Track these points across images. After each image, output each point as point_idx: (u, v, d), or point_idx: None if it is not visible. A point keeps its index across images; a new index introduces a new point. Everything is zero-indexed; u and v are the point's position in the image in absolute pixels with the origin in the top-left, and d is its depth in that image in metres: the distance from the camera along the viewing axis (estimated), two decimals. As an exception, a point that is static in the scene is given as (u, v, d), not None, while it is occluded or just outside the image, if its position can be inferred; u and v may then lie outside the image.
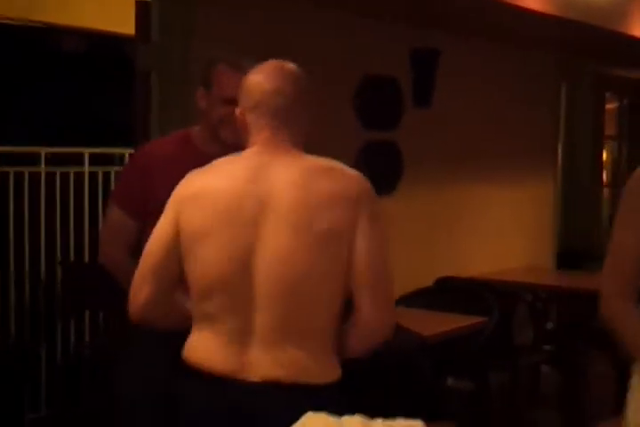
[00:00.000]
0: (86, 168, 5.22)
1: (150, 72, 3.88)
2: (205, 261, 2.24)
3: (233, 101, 2.54)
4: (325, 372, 2.28)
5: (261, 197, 2.22)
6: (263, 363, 2.22)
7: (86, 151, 5.23)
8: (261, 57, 4.47)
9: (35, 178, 5.03)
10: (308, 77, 2.35)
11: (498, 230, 6.51)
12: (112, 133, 5.61)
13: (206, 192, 2.26)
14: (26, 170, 5.02)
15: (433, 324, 4.33)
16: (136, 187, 2.94)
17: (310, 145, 4.79)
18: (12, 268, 4.89)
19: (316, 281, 2.22)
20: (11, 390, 3.75)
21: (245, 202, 2.22)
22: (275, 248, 2.20)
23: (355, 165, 5.08)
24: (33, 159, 5.10)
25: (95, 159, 5.25)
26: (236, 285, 2.22)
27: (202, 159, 2.45)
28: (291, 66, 2.36)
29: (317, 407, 2.10)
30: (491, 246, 6.41)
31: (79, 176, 5.17)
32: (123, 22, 4.49)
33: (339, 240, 2.22)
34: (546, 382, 5.70)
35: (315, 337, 2.26)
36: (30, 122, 6.33)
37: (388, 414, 2.23)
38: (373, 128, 5.35)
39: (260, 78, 2.31)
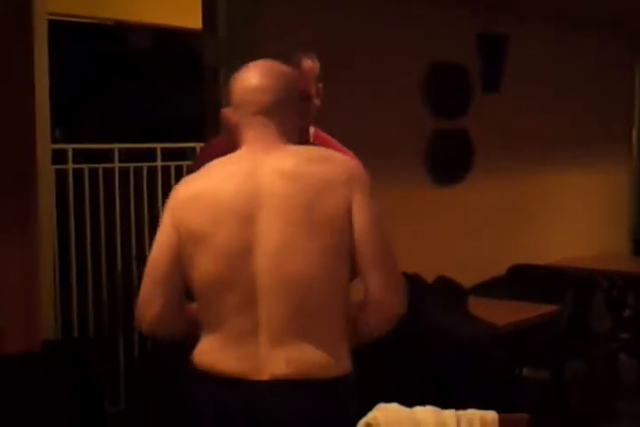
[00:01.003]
0: (159, 163, 5.28)
1: (219, 66, 3.90)
2: (207, 264, 2.24)
3: None
4: (337, 364, 2.26)
5: (255, 194, 2.23)
6: (274, 361, 2.22)
7: (158, 146, 5.28)
8: (327, 46, 4.55)
9: (109, 174, 5.11)
10: (292, 74, 2.40)
11: (572, 217, 6.42)
12: (183, 128, 5.66)
13: (202, 195, 2.27)
14: (100, 166, 5.10)
15: (505, 313, 4.32)
16: None
17: (379, 134, 4.85)
18: (89, 263, 4.97)
19: (318, 271, 2.21)
20: (90, 385, 3.80)
21: (240, 201, 2.23)
22: (273, 243, 2.20)
23: (424, 154, 5.20)
24: (107, 156, 5.18)
25: (167, 154, 5.31)
26: (239, 284, 2.22)
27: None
28: (274, 63, 2.38)
29: (332, 401, 2.19)
30: (565, 233, 6.32)
31: (152, 171, 5.23)
32: (191, 17, 4.52)
33: (335, 225, 2.22)
34: (624, 370, 5.60)
35: (323, 329, 2.25)
36: (103, 119, 6.42)
37: (461, 404, 2.22)
38: (442, 116, 5.32)
39: (244, 77, 2.33)
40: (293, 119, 2.38)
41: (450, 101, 5.37)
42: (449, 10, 5.22)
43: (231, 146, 2.84)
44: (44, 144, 4.20)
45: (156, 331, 2.37)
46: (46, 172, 4.22)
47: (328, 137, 3.05)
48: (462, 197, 5.45)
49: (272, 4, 4.14)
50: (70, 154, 4.95)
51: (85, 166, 5.03)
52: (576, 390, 4.92)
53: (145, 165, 5.23)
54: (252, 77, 2.31)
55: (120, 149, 5.19)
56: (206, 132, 4.10)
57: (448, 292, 4.05)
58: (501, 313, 4.29)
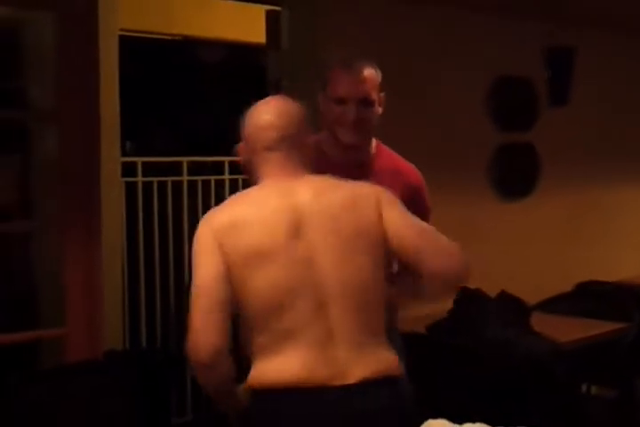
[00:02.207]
0: (226, 176, 5.33)
1: (281, 79, 3.95)
2: (272, 278, 2.28)
3: (344, 101, 2.81)
4: (399, 362, 2.41)
5: (295, 212, 2.34)
6: (354, 364, 2.28)
7: (226, 160, 5.34)
8: (389, 60, 4.55)
9: (177, 186, 5.18)
10: (301, 110, 2.49)
11: (640, 231, 6.29)
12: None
13: (243, 220, 2.34)
14: (169, 179, 5.18)
15: (570, 330, 4.25)
16: None
17: (444, 149, 4.83)
18: (157, 274, 5.03)
19: (371, 274, 2.37)
20: (155, 396, 3.84)
21: (284, 219, 2.33)
22: (328, 255, 2.32)
23: (490, 168, 5.15)
24: (175, 169, 5.25)
25: (235, 167, 5.36)
26: (307, 296, 2.29)
27: (330, 164, 2.66)
28: (284, 101, 2.51)
29: (405, 395, 2.34)
30: (636, 250, 6.17)
31: (220, 184, 5.29)
32: (257, 32, 4.57)
33: (372, 235, 2.38)
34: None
35: (380, 332, 2.39)
36: (172, 133, 6.52)
37: (521, 419, 2.21)
38: (508, 130, 5.27)
39: (256, 114, 2.45)
40: (305, 153, 2.48)
41: (515, 115, 5.31)
42: (514, 23, 5.17)
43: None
44: (114, 157, 4.27)
45: (215, 363, 2.25)
46: (116, 184, 4.32)
47: (390, 150, 3.10)
48: (528, 212, 5.38)
49: (334, 18, 4.17)
50: (140, 167, 5.05)
51: (154, 179, 5.11)
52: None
53: (213, 178, 5.29)
54: (264, 114, 2.43)
55: (188, 163, 5.28)
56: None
57: (510, 307, 4.01)
58: (566, 330, 4.22)
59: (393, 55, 4.60)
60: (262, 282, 2.28)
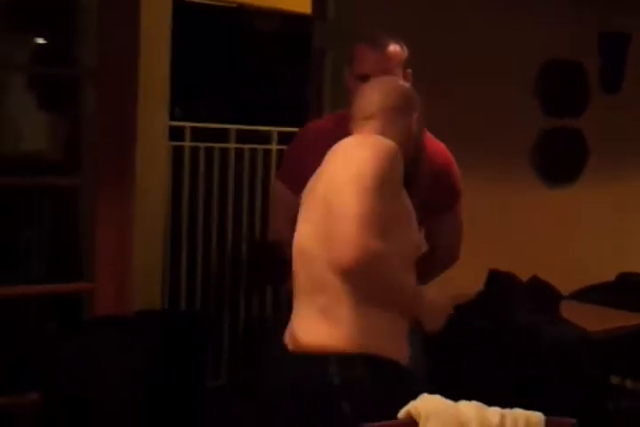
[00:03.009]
0: (274, 146, 5.33)
1: (325, 49, 3.95)
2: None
3: (368, 78, 2.75)
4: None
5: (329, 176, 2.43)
6: (299, 333, 2.38)
7: (275, 130, 5.35)
8: (435, 35, 4.51)
9: (225, 154, 5.22)
10: (408, 90, 2.59)
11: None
12: (299, 112, 5.72)
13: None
14: (216, 145, 5.21)
15: (603, 319, 4.22)
16: (297, 163, 3.01)
17: (489, 131, 4.77)
18: (200, 239, 5.09)
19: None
20: (194, 358, 3.90)
21: (320, 179, 2.45)
22: (345, 223, 2.30)
23: (534, 153, 5.09)
24: (224, 136, 5.28)
25: (284, 137, 5.37)
26: (318, 257, 2.35)
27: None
28: (392, 80, 2.68)
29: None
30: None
31: (267, 153, 5.30)
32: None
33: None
34: None
35: (337, 310, 2.34)
36: (222, 100, 6.55)
37: (544, 405, 2.21)
38: (556, 115, 5.19)
39: (363, 90, 2.59)
40: (399, 125, 2.51)
41: (564, 100, 5.22)
42: (570, 6, 5.07)
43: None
44: (162, 120, 4.34)
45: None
46: (163, 147, 4.37)
47: (429, 136, 3.01)
48: (572, 200, 5.31)
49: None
50: (188, 132, 5.09)
51: (202, 145, 5.15)
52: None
53: (260, 147, 5.30)
54: (368, 91, 2.57)
55: (236, 131, 5.31)
56: (308, 115, 4.15)
57: (540, 293, 3.98)
58: (598, 319, 4.20)
59: (438, 30, 4.57)
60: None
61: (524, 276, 4.36)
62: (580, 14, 5.17)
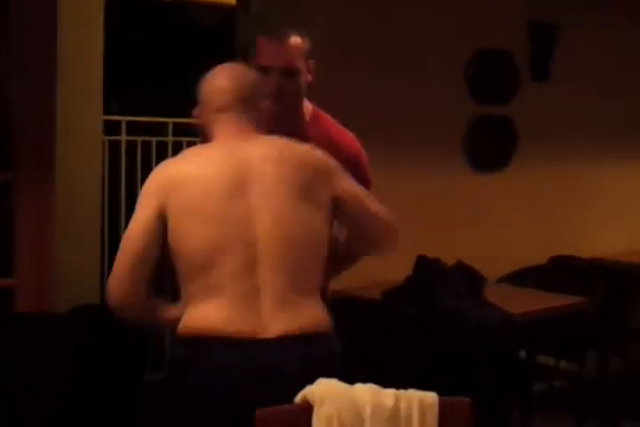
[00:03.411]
0: (211, 139, 5.34)
1: (249, 43, 3.96)
2: (206, 236, 2.37)
3: (266, 70, 2.77)
4: (328, 321, 2.46)
5: (242, 173, 2.42)
6: (276, 319, 2.35)
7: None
8: (364, 28, 4.55)
9: (162, 147, 5.22)
10: (254, 76, 2.62)
11: (623, 209, 6.25)
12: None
13: (189, 176, 2.43)
14: (153, 139, 5.21)
15: (529, 302, 4.29)
16: None
17: (419, 119, 4.84)
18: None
19: (310, 232, 2.44)
20: (132, 352, 3.90)
21: (226, 178, 2.41)
22: (270, 212, 2.40)
23: (464, 139, 5.16)
24: (162, 130, 5.28)
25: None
26: (240, 250, 2.36)
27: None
28: (238, 66, 2.63)
29: (330, 354, 2.39)
30: (616, 227, 6.16)
31: (204, 146, 5.30)
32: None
33: (320, 192, 2.48)
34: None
35: (314, 290, 2.47)
36: (158, 94, 6.55)
37: (469, 387, 2.25)
38: (485, 102, 5.25)
39: (211, 79, 2.57)
40: (258, 116, 2.58)
41: (494, 88, 5.29)
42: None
43: None
44: (96, 115, 4.33)
45: (124, 308, 2.43)
46: (97, 142, 4.37)
47: (327, 116, 3.06)
48: (503, 185, 5.38)
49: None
50: (124, 126, 5.09)
51: (138, 138, 5.15)
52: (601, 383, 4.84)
53: (198, 140, 5.28)
54: (218, 79, 2.56)
55: (174, 124, 5.31)
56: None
57: (465, 277, 4.04)
58: (525, 302, 4.27)
59: (366, 23, 4.61)
60: (196, 239, 2.37)
61: (465, 262, 4.42)
62: (510, 3, 5.25)
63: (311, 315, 2.40)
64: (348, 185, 2.56)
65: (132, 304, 2.42)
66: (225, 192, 2.39)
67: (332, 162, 2.56)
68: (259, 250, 2.36)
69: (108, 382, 3.66)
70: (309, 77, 2.91)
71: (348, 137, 3.02)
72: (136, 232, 2.41)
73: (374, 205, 2.60)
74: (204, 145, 2.58)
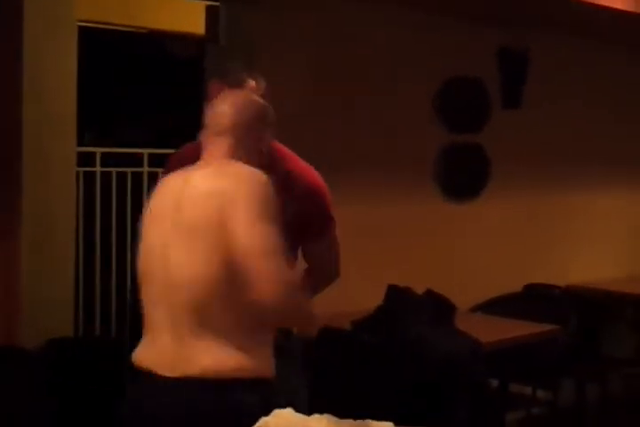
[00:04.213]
0: (186, 169, 5.34)
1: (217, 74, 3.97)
2: (140, 257, 2.45)
3: None
4: (240, 365, 2.32)
5: (177, 203, 2.41)
6: (178, 358, 2.33)
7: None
8: (340, 59, 4.58)
9: (138, 178, 5.23)
10: (263, 106, 2.60)
11: (597, 238, 6.26)
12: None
13: (154, 196, 2.51)
14: (128, 170, 5.22)
15: (501, 330, 4.29)
16: None
17: (390, 148, 4.86)
18: (114, 265, 5.06)
19: (208, 270, 2.31)
20: (108, 384, 3.87)
21: (166, 208, 2.43)
22: (177, 245, 2.37)
23: (436, 167, 5.17)
24: (137, 160, 5.29)
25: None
26: (157, 280, 2.39)
27: None
28: (244, 94, 2.67)
29: (225, 402, 2.26)
30: (590, 255, 6.16)
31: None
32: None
33: (212, 230, 2.32)
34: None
35: (224, 329, 2.33)
36: (133, 124, 6.56)
37: (438, 417, 2.24)
38: (457, 131, 5.27)
39: (214, 104, 2.58)
40: (251, 141, 2.55)
41: (465, 116, 5.31)
42: (468, 24, 5.19)
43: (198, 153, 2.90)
44: (69, 146, 4.32)
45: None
46: (70, 174, 4.35)
47: (288, 152, 2.99)
48: (476, 214, 5.38)
49: (275, 13, 4.21)
50: (98, 157, 5.09)
51: (113, 169, 5.15)
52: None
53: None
54: (219, 105, 2.57)
55: (149, 154, 5.31)
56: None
57: (435, 306, 4.03)
58: (498, 330, 4.26)
59: (336, 53, 4.63)
60: (139, 260, 2.46)
61: (437, 291, 4.40)
62: (479, 32, 5.29)
63: (211, 358, 2.31)
64: (246, 221, 2.31)
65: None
66: (162, 217, 2.43)
67: (243, 190, 2.37)
68: (170, 282, 2.35)
69: (82, 417, 3.64)
70: None
71: (309, 173, 2.94)
72: None
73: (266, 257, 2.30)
74: (178, 171, 2.54)
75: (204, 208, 2.35)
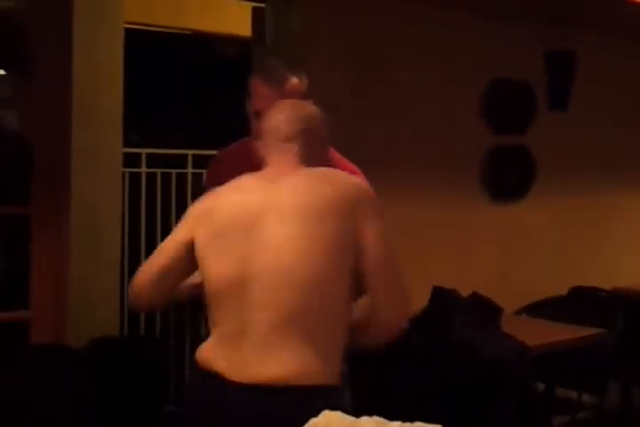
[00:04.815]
0: (232, 170, 5.37)
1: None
2: (213, 267, 2.37)
3: (261, 115, 2.66)
4: (320, 373, 2.30)
5: (266, 203, 2.36)
6: (257, 365, 2.27)
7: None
8: (386, 60, 4.58)
9: (182, 179, 5.26)
10: (316, 111, 2.57)
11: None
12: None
13: (219, 205, 2.43)
14: (173, 171, 5.26)
15: (547, 333, 4.25)
16: (212, 187, 3.02)
17: (437, 149, 4.85)
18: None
19: (317, 280, 2.27)
20: (152, 384, 3.90)
21: (249, 209, 2.37)
22: (271, 249, 2.30)
23: (482, 169, 5.16)
24: (181, 161, 5.33)
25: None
26: (237, 287, 2.31)
27: (256, 165, 2.55)
28: (302, 102, 2.62)
29: (311, 410, 2.09)
30: (636, 257, 6.09)
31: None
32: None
33: (341, 242, 2.30)
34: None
35: (317, 338, 2.29)
36: (178, 125, 6.62)
37: (482, 420, 2.22)
38: (503, 132, 5.25)
39: (275, 111, 2.54)
40: (318, 148, 2.54)
41: (511, 118, 5.29)
42: (515, 25, 5.16)
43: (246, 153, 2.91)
44: (116, 147, 4.37)
45: (139, 307, 2.73)
46: (116, 174, 4.40)
47: (337, 154, 3.00)
48: (522, 215, 5.36)
49: (319, 15, 4.22)
50: (144, 158, 5.14)
51: (158, 170, 5.20)
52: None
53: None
54: (281, 111, 2.53)
55: (193, 155, 5.35)
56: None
57: (481, 308, 4.01)
58: (544, 333, 4.23)
59: (381, 53, 4.63)
60: (212, 268, 2.37)
61: (481, 292, 4.38)
62: (526, 33, 5.26)
63: (293, 366, 2.27)
64: (372, 233, 2.33)
65: (149, 305, 2.64)
66: (241, 224, 2.35)
67: (362, 197, 2.39)
68: (253, 290, 2.29)
69: (127, 415, 3.67)
70: None
71: (352, 171, 2.90)
72: (172, 243, 2.48)
73: (393, 276, 2.35)
74: (249, 174, 2.52)
75: (329, 216, 2.31)
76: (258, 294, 2.29)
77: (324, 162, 2.53)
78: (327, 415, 2.10)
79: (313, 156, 2.50)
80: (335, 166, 2.84)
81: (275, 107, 2.55)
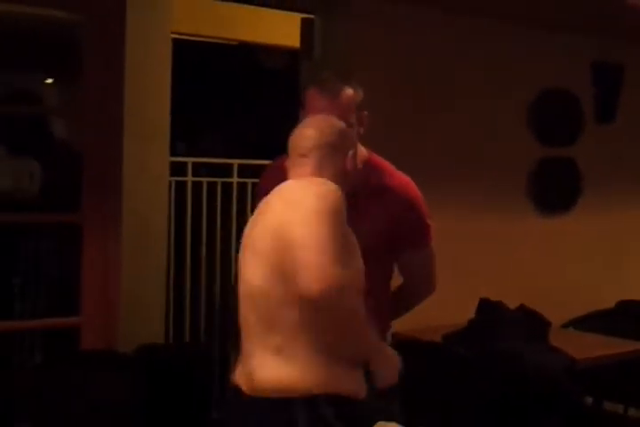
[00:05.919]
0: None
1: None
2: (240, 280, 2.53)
3: None
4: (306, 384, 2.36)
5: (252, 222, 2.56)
6: (251, 376, 2.42)
7: (276, 164, 5.40)
8: (434, 71, 4.58)
9: (227, 188, 5.30)
10: (343, 128, 2.62)
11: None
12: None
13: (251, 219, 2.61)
14: (219, 180, 5.30)
15: (594, 347, 4.21)
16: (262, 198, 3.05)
17: (484, 160, 4.83)
18: (203, 273, 5.16)
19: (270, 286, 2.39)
20: (196, 390, 3.93)
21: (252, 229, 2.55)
22: (251, 267, 2.47)
23: (528, 181, 5.13)
24: (227, 171, 5.37)
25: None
26: (246, 300, 2.48)
27: None
28: (326, 118, 2.64)
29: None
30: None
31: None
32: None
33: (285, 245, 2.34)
34: None
35: (292, 351, 2.37)
36: (224, 135, 6.66)
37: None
38: (550, 144, 5.21)
39: (299, 127, 2.62)
40: (334, 161, 2.58)
41: (558, 130, 5.25)
42: (563, 36, 5.13)
43: None
44: (163, 156, 4.43)
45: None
46: (163, 183, 4.45)
47: (383, 161, 2.99)
48: (569, 227, 5.31)
49: (367, 27, 4.23)
50: (190, 167, 5.18)
51: (204, 179, 5.24)
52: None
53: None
54: (303, 127, 2.61)
55: (239, 165, 5.39)
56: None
57: (528, 321, 3.99)
58: (591, 347, 4.19)
59: (429, 65, 4.64)
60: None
61: (528, 305, 4.36)
62: (574, 44, 5.23)
63: (273, 375, 2.39)
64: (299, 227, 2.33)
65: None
66: (249, 238, 2.53)
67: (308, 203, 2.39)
68: (252, 302, 2.44)
69: (172, 422, 3.70)
70: (361, 130, 2.84)
71: (403, 182, 2.93)
72: None
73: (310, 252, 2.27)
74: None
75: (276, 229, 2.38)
76: (255, 311, 2.43)
77: (344, 175, 2.58)
78: (380, 425, 2.12)
79: (328, 170, 2.55)
80: (375, 173, 2.91)
81: (299, 124, 2.64)
